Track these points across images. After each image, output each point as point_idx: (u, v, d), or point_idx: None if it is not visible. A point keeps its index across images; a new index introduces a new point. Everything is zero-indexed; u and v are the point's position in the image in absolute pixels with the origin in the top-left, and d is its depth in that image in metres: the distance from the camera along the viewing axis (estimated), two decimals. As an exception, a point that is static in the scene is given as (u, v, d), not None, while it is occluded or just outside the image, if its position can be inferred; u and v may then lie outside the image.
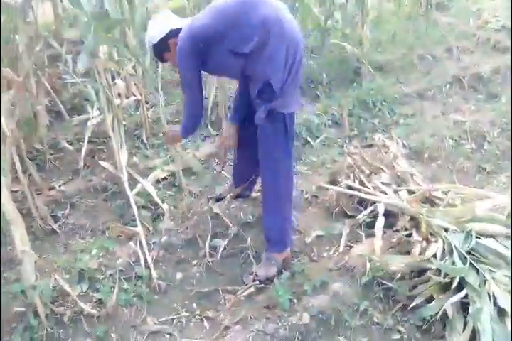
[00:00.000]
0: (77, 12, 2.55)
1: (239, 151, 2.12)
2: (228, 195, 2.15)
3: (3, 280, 1.83)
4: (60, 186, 2.37)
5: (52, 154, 2.60)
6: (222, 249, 1.97)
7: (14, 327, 1.61)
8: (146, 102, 3.04)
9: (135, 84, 3.29)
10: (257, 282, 1.80)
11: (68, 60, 3.32)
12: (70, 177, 2.44)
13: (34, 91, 2.52)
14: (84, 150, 2.50)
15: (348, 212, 2.19)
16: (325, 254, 1.98)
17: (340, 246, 1.99)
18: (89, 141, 2.59)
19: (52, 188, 2.36)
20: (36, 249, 1.80)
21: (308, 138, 2.79)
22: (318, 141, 2.80)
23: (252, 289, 1.80)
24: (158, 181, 2.41)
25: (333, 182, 2.35)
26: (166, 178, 2.43)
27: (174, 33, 1.73)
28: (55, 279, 1.69)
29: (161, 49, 1.79)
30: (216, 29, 1.63)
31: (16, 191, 2.24)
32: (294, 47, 1.63)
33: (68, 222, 2.17)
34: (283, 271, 1.86)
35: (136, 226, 2.09)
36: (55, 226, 2.13)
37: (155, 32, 1.77)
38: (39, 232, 2.10)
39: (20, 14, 2.91)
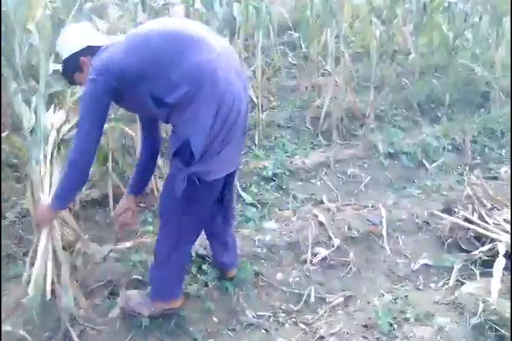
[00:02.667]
0: (209, 16, 2.78)
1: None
2: None
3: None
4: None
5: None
6: (323, 258, 1.97)
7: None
8: (261, 105, 3.17)
9: (252, 87, 3.48)
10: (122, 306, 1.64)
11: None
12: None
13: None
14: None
15: (462, 246, 2.04)
16: (432, 285, 1.87)
17: (451, 280, 1.87)
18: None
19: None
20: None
21: (424, 161, 2.67)
22: (434, 164, 2.66)
23: (341, 299, 1.78)
24: (266, 182, 2.50)
25: (448, 211, 2.21)
26: (274, 180, 2.51)
27: (91, 51, 1.40)
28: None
29: (71, 67, 1.45)
30: (138, 68, 1.33)
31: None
32: (228, 105, 1.33)
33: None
34: (384, 293, 1.81)
35: (242, 221, 2.21)
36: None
37: (68, 44, 1.44)
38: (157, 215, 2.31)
39: (159, 15, 3.26)
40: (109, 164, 2.25)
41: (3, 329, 1.62)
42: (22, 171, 2.31)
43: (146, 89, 1.35)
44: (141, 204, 2.29)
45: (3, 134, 2.23)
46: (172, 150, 1.40)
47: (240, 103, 1.39)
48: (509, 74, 3.69)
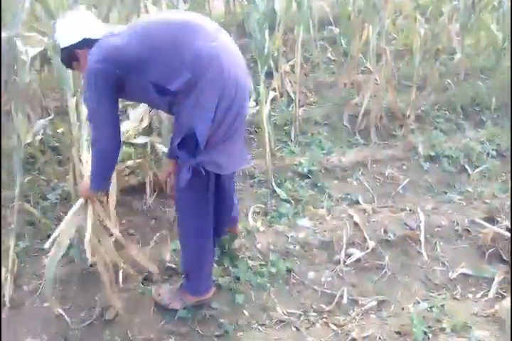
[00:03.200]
0: (250, 8, 2.74)
1: None
2: None
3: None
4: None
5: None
6: (357, 260, 1.94)
7: (165, 279, 1.84)
8: (299, 101, 3.12)
9: (290, 81, 3.43)
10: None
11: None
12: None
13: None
14: (238, 136, 2.69)
15: (503, 257, 1.96)
16: (470, 296, 1.81)
17: (491, 292, 1.80)
18: (243, 129, 2.77)
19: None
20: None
21: (466, 166, 2.56)
22: (477, 170, 2.55)
23: (374, 302, 1.76)
24: (301, 179, 2.47)
25: (491, 219, 2.12)
26: (309, 177, 2.48)
27: (87, 44, 1.38)
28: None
29: (69, 56, 1.44)
30: (139, 55, 1.32)
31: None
32: (231, 93, 1.33)
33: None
34: (420, 301, 1.76)
35: (275, 217, 2.20)
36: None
37: (65, 34, 1.41)
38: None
39: (199, 6, 3.24)
40: (148, 151, 2.28)
41: (44, 305, 1.68)
42: (64, 154, 2.37)
43: (147, 77, 1.33)
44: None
45: (48, 118, 2.30)
46: (177, 140, 1.39)
47: (242, 91, 1.38)
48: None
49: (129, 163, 2.35)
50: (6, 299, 1.66)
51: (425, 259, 1.96)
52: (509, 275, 1.86)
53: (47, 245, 1.55)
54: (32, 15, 2.69)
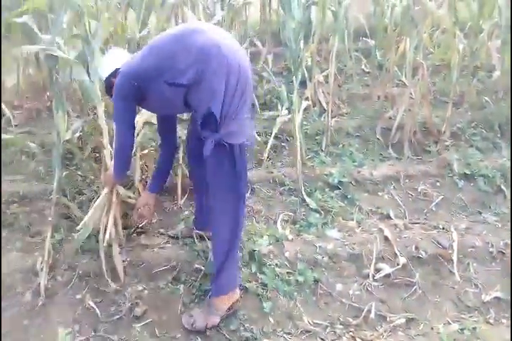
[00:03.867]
0: (286, 17, 2.76)
1: (196, 188, 2.00)
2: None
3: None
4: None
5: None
6: (386, 275, 1.90)
7: (194, 280, 1.86)
8: (331, 111, 3.12)
9: (323, 92, 3.43)
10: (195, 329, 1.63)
11: (269, 58, 3.64)
12: (254, 165, 2.66)
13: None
14: (269, 143, 2.71)
15: (541, 283, 1.89)
16: (503, 321, 1.75)
17: (527, 318, 1.73)
18: (275, 136, 2.79)
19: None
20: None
21: (502, 187, 2.49)
22: (514, 191, 2.48)
23: (403, 320, 1.72)
24: (331, 190, 2.46)
25: (528, 243, 2.06)
26: (339, 188, 2.46)
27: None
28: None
29: (108, 85, 1.77)
30: (156, 65, 1.58)
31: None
32: (235, 75, 1.52)
33: (247, 204, 2.36)
34: (450, 322, 1.71)
35: (304, 226, 2.19)
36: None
37: (104, 68, 1.79)
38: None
39: (237, 14, 3.30)
40: (180, 155, 2.32)
41: (76, 296, 1.74)
42: (101, 153, 2.43)
43: (163, 79, 1.57)
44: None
45: (87, 117, 2.38)
46: (199, 122, 1.58)
47: (245, 72, 1.56)
48: None
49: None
50: (42, 288, 1.71)
51: (457, 280, 1.91)
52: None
53: (80, 226, 1.84)
54: (76, 16, 2.81)
